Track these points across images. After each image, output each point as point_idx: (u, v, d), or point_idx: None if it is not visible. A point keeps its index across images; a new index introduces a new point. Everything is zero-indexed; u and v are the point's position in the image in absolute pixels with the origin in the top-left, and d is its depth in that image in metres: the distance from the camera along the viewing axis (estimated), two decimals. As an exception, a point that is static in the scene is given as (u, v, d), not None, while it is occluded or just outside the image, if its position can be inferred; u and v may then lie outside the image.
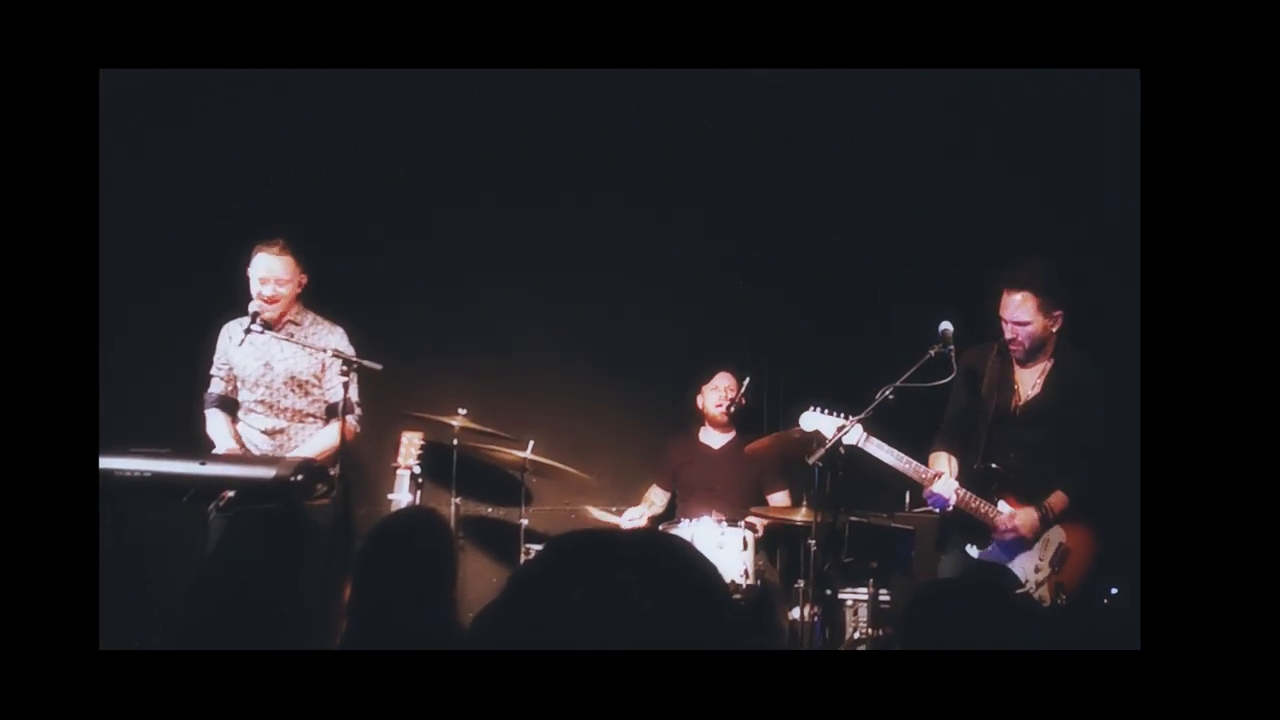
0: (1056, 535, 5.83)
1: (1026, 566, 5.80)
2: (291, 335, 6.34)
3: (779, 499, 7.39)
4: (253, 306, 6.20)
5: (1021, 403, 5.96)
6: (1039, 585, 5.75)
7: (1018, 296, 5.81)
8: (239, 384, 6.48)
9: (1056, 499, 5.83)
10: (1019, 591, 5.69)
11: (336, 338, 6.41)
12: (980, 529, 5.86)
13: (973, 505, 5.82)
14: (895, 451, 5.84)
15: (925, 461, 5.92)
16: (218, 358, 6.50)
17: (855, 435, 5.84)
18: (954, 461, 5.99)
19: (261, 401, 6.44)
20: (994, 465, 5.87)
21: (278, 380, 6.42)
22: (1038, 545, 5.82)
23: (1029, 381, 5.97)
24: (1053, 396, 5.91)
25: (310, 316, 6.48)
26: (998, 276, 5.90)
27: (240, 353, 6.45)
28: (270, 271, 6.31)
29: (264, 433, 6.43)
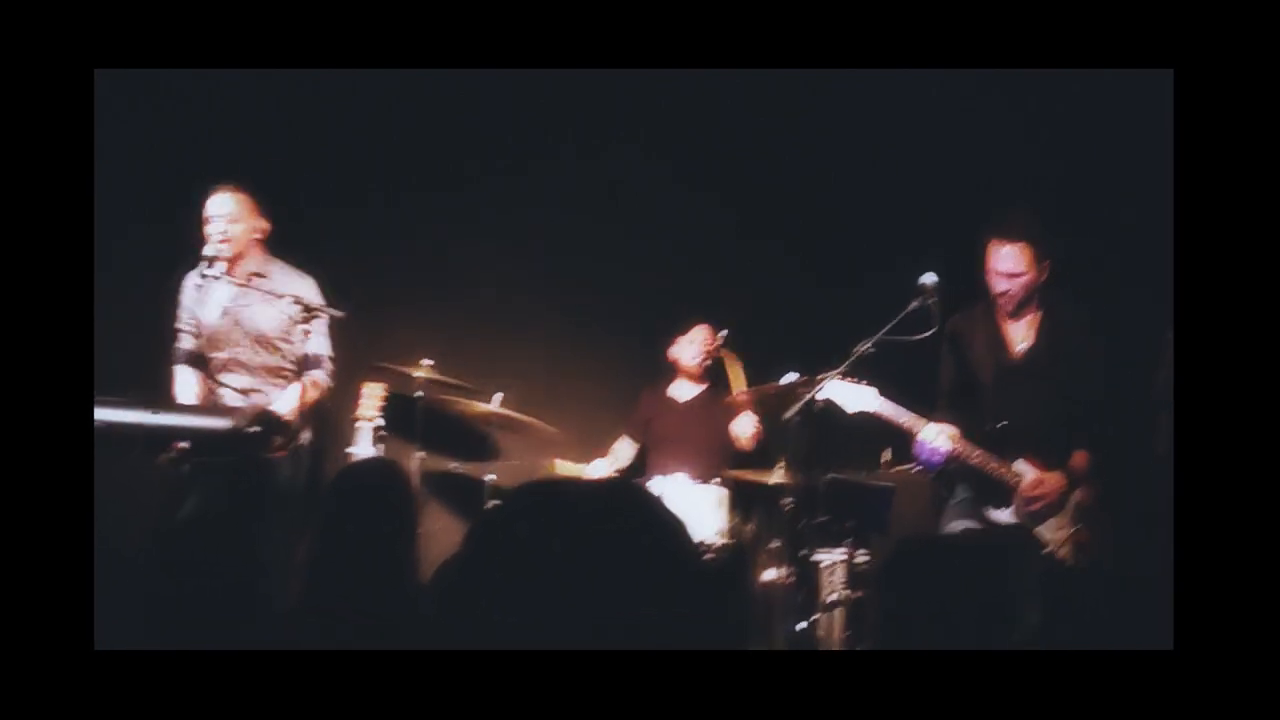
0: (1075, 492, 5.69)
1: (1048, 527, 5.65)
2: (257, 282, 6.17)
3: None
4: (206, 250, 6.00)
5: (1017, 357, 5.84)
6: (1061, 545, 5.61)
7: (1010, 248, 5.68)
8: (207, 342, 6.30)
9: (1078, 458, 5.70)
10: (1044, 552, 5.53)
11: (305, 286, 6.24)
12: (999, 490, 5.71)
13: (991, 466, 5.67)
14: (890, 402, 5.68)
15: None
16: (184, 312, 6.31)
17: (860, 398, 5.66)
18: (955, 431, 5.77)
19: (233, 359, 6.28)
20: (1006, 423, 5.71)
21: (245, 338, 6.25)
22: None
23: (1019, 335, 5.85)
24: (1048, 346, 5.80)
25: (277, 265, 6.31)
26: (983, 228, 5.76)
27: (206, 308, 6.29)
28: (220, 208, 6.14)
29: (239, 391, 6.28)
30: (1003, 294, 5.74)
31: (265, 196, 6.28)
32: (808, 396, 5.70)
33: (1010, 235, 5.67)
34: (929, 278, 5.72)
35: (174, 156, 7.12)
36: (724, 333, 7.22)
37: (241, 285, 6.14)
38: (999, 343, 5.87)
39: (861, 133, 7.42)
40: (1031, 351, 5.82)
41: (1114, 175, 6.86)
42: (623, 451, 7.43)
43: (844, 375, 5.67)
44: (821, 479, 6.26)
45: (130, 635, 2.92)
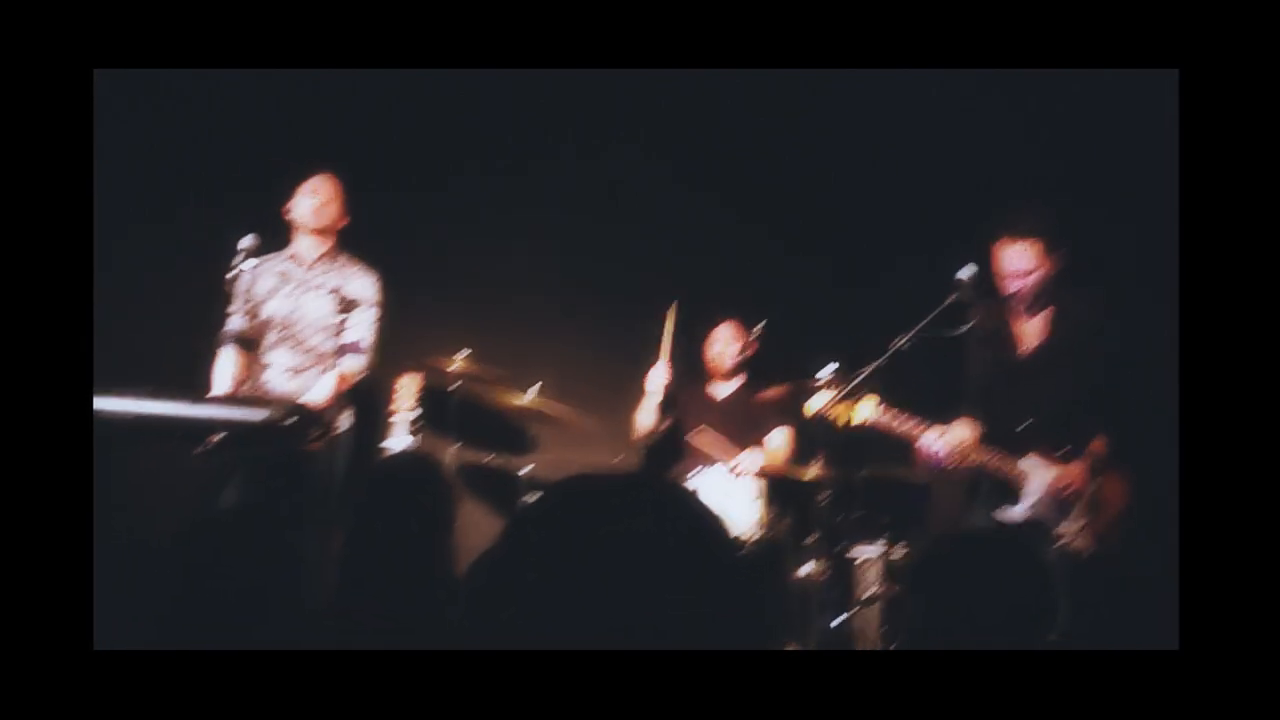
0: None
1: (1063, 516, 5.61)
2: (322, 273, 6.29)
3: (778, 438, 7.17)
4: (245, 242, 5.98)
5: (1033, 353, 5.79)
6: (1076, 535, 5.56)
7: (1020, 245, 5.63)
8: (261, 324, 6.35)
9: (1098, 444, 5.63)
10: (1057, 546, 5.52)
11: (369, 284, 6.36)
12: (1009, 489, 5.67)
13: (994, 465, 5.64)
14: (890, 411, 5.68)
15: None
16: (238, 295, 6.34)
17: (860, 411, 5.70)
18: (974, 431, 5.79)
19: (286, 338, 6.34)
20: (1023, 422, 5.66)
21: (298, 321, 6.31)
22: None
23: (1035, 331, 5.81)
24: (1063, 340, 5.75)
25: (344, 258, 6.43)
26: (993, 226, 5.72)
27: (262, 291, 6.35)
28: (319, 188, 6.33)
29: (289, 370, 6.32)
30: (1017, 292, 5.69)
31: (281, 196, 6.37)
32: (844, 390, 5.67)
33: (1019, 233, 5.63)
34: (967, 271, 5.68)
35: (174, 156, 7.15)
36: (761, 324, 7.17)
37: (285, 272, 6.20)
38: (1014, 341, 5.83)
39: (866, 133, 7.36)
40: (1046, 347, 5.77)
41: (1119, 176, 6.78)
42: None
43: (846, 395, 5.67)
44: (858, 474, 6.24)
45: (130, 635, 2.90)
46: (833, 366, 5.92)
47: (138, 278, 6.91)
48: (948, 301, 5.64)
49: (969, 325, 5.71)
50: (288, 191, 6.40)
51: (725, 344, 7.26)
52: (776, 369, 7.32)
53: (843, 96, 7.23)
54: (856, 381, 5.65)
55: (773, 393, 6.64)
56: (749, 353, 7.22)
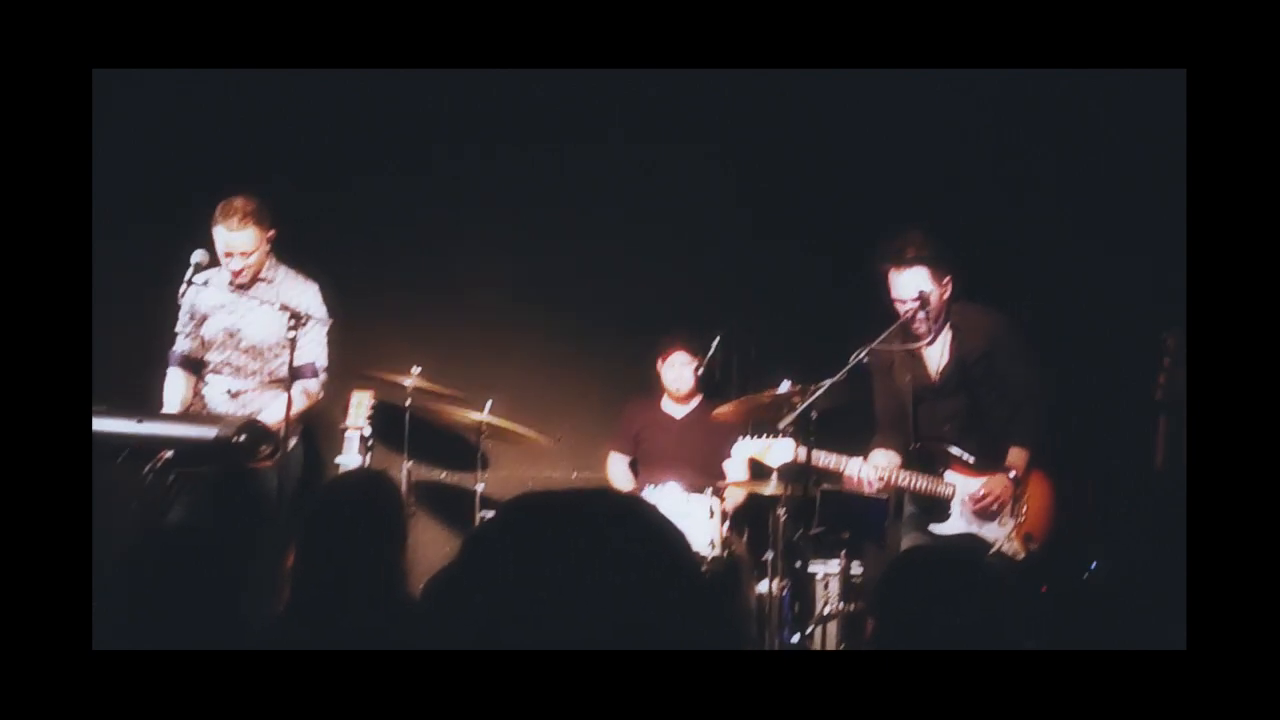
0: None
1: (991, 525, 5.78)
2: (262, 289, 6.13)
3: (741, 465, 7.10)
4: (195, 256, 5.89)
5: (936, 377, 5.91)
6: (1009, 540, 5.73)
7: (908, 273, 5.74)
8: (202, 345, 6.24)
9: (1016, 456, 5.79)
10: (991, 553, 5.66)
11: (309, 293, 6.20)
12: (938, 504, 5.83)
13: (919, 486, 5.81)
14: (824, 453, 5.78)
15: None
16: (182, 315, 6.27)
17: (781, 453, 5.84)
18: (893, 456, 5.91)
19: (226, 363, 6.24)
20: (932, 442, 5.87)
21: (240, 344, 6.22)
22: None
23: (936, 354, 5.92)
24: (962, 360, 5.87)
25: (283, 271, 6.27)
26: (879, 257, 5.82)
27: (202, 312, 6.25)
28: (233, 246, 6.05)
29: (230, 395, 6.21)
30: (912, 320, 5.76)
31: (267, 201, 6.20)
32: (802, 406, 5.65)
33: (906, 261, 5.74)
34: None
35: (171, 157, 7.03)
36: (716, 341, 7.10)
37: (235, 291, 6.08)
38: (919, 364, 5.95)
39: (865, 133, 7.30)
40: (948, 369, 5.89)
41: (1126, 175, 6.81)
42: (618, 469, 7.33)
43: (783, 433, 5.80)
44: (815, 490, 6.21)
45: (127, 636, 2.88)
46: (787, 384, 5.91)
47: (135, 281, 6.74)
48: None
49: (931, 338, 5.76)
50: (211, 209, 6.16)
51: (681, 366, 7.18)
52: (733, 385, 7.30)
53: (846, 97, 7.16)
54: (814, 398, 5.63)
55: (728, 409, 6.58)
56: (703, 371, 7.16)
